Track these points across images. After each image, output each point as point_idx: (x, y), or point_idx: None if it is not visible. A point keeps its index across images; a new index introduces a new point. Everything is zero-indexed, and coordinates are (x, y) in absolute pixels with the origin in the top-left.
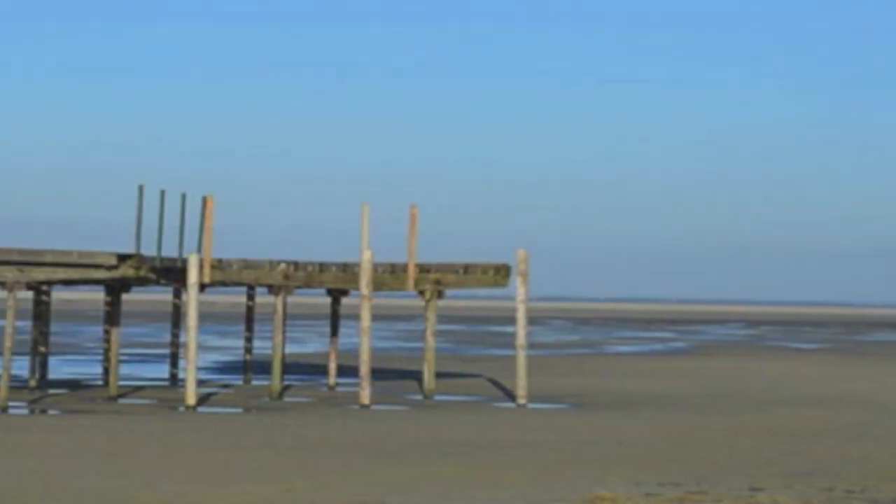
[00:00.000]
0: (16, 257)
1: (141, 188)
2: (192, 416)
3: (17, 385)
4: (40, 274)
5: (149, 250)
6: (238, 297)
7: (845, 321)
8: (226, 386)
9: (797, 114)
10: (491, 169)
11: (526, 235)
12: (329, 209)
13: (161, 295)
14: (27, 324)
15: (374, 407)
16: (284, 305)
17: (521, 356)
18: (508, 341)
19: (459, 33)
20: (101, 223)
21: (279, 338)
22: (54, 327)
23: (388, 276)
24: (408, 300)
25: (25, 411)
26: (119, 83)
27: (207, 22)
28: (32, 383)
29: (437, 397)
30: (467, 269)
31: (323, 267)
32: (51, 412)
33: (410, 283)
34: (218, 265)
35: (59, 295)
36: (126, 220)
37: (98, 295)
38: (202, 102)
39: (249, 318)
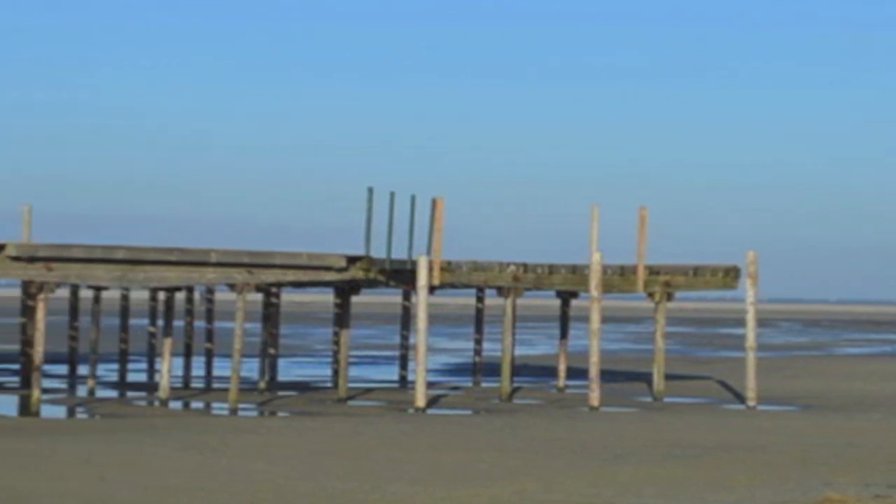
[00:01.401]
0: (245, 260)
1: (371, 190)
2: (421, 417)
3: (246, 387)
4: (270, 276)
5: (378, 252)
6: (468, 299)
7: None
8: (455, 388)
9: None
10: (720, 171)
11: (755, 237)
12: (558, 211)
13: (390, 297)
14: (257, 326)
15: (603, 409)
16: (514, 307)
17: (751, 358)
18: (738, 343)
19: (684, 35)
20: (331, 226)
21: (508, 340)
22: (283, 329)
23: (618, 277)
24: (637, 302)
25: (255, 413)
26: (348, 84)
27: (436, 23)
28: (262, 385)
29: (667, 399)
30: (697, 270)
31: (552, 269)
32: (280, 414)
33: (640, 284)
34: (447, 267)
35: (288, 297)
36: (356, 223)
37: (327, 297)
38: (431, 104)
39: (479, 319)
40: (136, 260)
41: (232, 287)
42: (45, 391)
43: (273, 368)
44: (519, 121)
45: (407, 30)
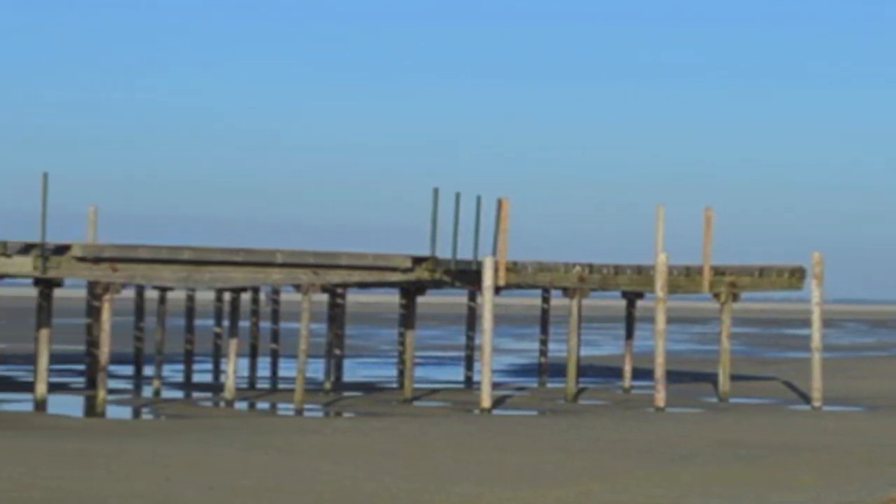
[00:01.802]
0: (311, 260)
1: (436, 191)
2: (486, 418)
3: (312, 387)
4: (335, 277)
5: (444, 253)
6: (533, 300)
7: None
8: (521, 388)
9: None
10: (786, 172)
11: (821, 238)
12: (624, 211)
13: (456, 297)
14: (322, 327)
15: (668, 409)
16: (579, 308)
17: (816, 358)
18: (803, 344)
19: (750, 34)
20: (396, 226)
21: (574, 340)
22: (349, 330)
23: (683, 278)
24: (702, 303)
25: (320, 413)
26: (414, 85)
27: (502, 25)
28: (327, 386)
29: (732, 400)
30: (762, 271)
31: (618, 269)
32: (346, 414)
33: (705, 285)
34: (513, 268)
35: (353, 298)
36: (421, 223)
37: (392, 297)
38: (497, 104)
39: (544, 320)
40: (201, 261)
41: (298, 288)
42: (110, 392)
43: (338, 369)
44: (586, 121)
45: (475, 30)
